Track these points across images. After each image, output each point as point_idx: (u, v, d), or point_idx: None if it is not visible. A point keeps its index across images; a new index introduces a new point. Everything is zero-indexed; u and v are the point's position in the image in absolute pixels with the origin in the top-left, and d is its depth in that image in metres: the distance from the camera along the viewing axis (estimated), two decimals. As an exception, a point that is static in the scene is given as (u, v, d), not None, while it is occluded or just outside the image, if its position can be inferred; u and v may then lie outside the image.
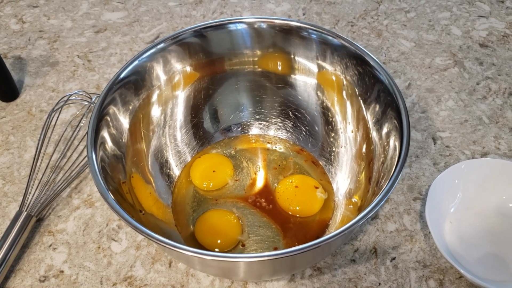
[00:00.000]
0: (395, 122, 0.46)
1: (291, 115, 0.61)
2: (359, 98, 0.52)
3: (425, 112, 0.67)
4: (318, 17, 0.82)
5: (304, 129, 0.61)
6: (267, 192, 0.57)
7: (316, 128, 0.59)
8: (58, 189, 0.58)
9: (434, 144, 0.63)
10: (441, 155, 0.62)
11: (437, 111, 0.67)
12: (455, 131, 0.65)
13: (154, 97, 0.55)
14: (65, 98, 0.63)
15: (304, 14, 0.83)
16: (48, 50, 0.78)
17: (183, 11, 0.84)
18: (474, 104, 0.68)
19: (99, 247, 0.54)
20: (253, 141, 0.63)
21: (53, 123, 0.64)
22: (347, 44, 0.52)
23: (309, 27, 0.52)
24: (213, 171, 0.59)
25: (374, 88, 0.50)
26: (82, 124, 0.64)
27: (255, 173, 0.59)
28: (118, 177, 0.48)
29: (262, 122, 0.63)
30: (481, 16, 0.82)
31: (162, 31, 0.81)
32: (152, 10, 0.85)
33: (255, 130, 0.63)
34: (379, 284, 0.51)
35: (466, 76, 0.72)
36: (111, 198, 0.40)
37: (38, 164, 0.60)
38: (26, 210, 0.54)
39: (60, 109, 0.64)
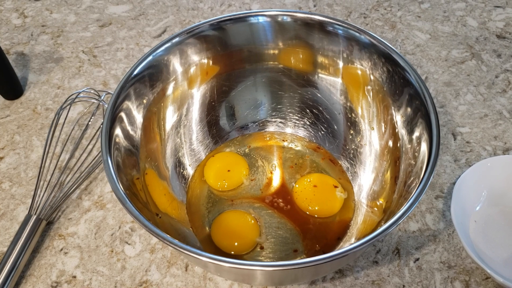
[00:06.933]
0: (424, 123, 0.44)
1: (309, 112, 0.59)
2: (386, 95, 0.50)
3: (443, 106, 0.65)
4: (330, 8, 0.80)
5: (322, 126, 0.58)
6: (284, 192, 0.56)
7: (336, 126, 0.57)
8: (67, 190, 0.56)
9: (454, 140, 0.61)
10: (462, 151, 0.60)
11: (455, 106, 0.65)
12: (475, 126, 0.63)
13: (170, 90, 0.53)
14: (73, 96, 0.60)
15: (315, 6, 0.80)
16: (52, 45, 0.76)
17: (190, 4, 0.82)
18: (494, 98, 0.66)
19: (112, 251, 0.53)
20: (268, 138, 0.61)
21: (60, 121, 0.62)
22: (376, 43, 0.49)
23: (336, 22, 0.50)
24: (228, 170, 0.57)
25: (403, 88, 0.48)
26: (90, 123, 0.62)
27: (271, 172, 0.57)
28: (131, 174, 0.45)
29: (279, 120, 0.61)
30: (497, 7, 0.80)
31: (169, 25, 0.78)
32: (158, 3, 0.82)
33: (272, 127, 0.61)
34: (403, 286, 0.49)
35: (484, 69, 0.70)
36: (129, 204, 0.38)
37: (47, 165, 0.58)
38: (35, 214, 0.52)
39: (69, 107, 0.61)
